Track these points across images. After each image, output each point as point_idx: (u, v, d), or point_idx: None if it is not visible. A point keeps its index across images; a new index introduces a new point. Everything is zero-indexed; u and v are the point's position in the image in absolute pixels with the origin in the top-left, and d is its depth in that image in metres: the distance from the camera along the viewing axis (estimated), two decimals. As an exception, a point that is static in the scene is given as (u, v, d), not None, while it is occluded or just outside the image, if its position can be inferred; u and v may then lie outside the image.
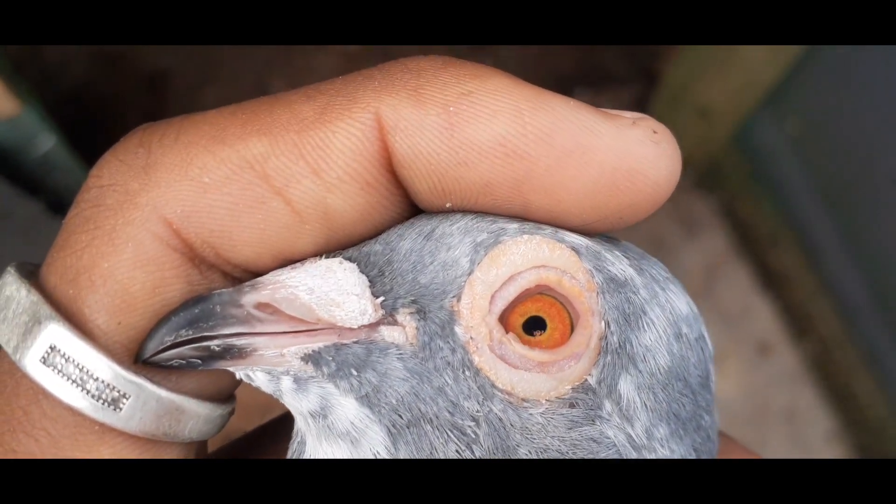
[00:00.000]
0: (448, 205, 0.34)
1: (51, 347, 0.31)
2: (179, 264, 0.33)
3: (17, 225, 1.36)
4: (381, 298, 0.33)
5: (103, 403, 0.32)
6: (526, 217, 0.35)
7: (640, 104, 1.80)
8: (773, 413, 1.76)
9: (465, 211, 0.35)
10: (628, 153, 0.32)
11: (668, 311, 0.36)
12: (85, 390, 0.32)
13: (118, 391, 0.32)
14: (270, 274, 0.34)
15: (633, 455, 0.34)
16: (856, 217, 1.55)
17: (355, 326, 0.33)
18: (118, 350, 0.33)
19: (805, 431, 1.76)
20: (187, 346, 0.32)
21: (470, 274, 0.33)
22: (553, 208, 0.33)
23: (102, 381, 0.32)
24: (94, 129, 1.67)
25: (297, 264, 0.34)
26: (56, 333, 0.31)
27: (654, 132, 0.33)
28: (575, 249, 0.34)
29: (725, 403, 1.74)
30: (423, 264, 0.34)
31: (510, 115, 0.32)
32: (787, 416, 1.76)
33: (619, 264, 0.35)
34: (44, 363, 0.31)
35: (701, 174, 1.85)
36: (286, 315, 0.33)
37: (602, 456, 0.33)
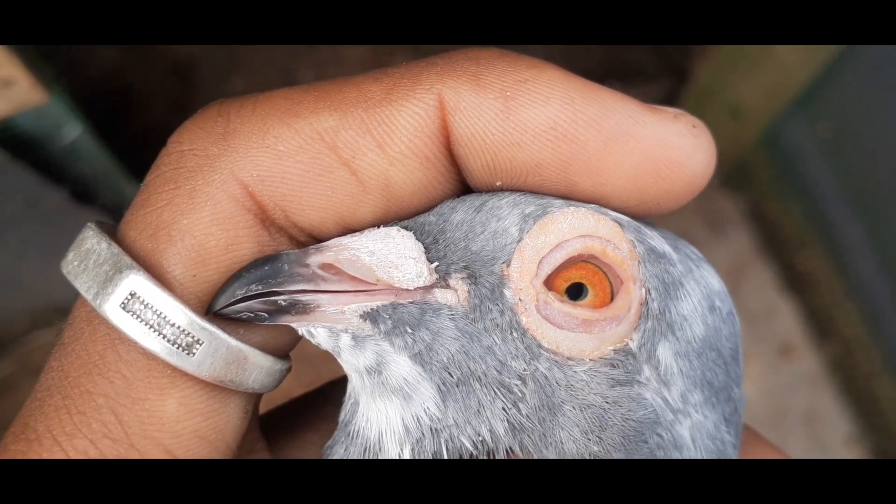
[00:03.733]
0: (498, 183, 0.37)
1: (130, 294, 0.33)
2: (252, 224, 0.35)
3: (42, 213, 1.37)
4: (436, 264, 0.36)
5: (178, 348, 0.34)
6: (570, 198, 0.37)
7: (669, 101, 1.78)
8: (794, 415, 1.76)
9: (513, 189, 0.37)
10: (669, 143, 0.35)
11: (702, 285, 0.38)
12: (161, 335, 0.34)
13: (192, 337, 0.34)
14: (334, 239, 0.36)
15: (670, 417, 0.36)
16: (884, 221, 1.54)
17: (411, 288, 0.35)
18: (192, 300, 0.35)
19: (825, 434, 1.75)
20: (256, 301, 0.34)
21: (519, 241, 0.35)
22: (596, 190, 0.36)
23: (178, 327, 0.34)
24: (120, 116, 1.68)
25: (358, 232, 0.36)
26: (136, 282, 0.34)
27: (694, 126, 0.36)
28: (618, 222, 0.36)
29: (746, 404, 1.73)
30: (474, 233, 0.36)
31: (562, 102, 0.34)
32: (808, 418, 1.76)
33: (657, 239, 0.38)
34: (123, 309, 0.33)
35: (729, 173, 1.84)
36: (348, 275, 0.35)
37: (640, 414, 0.35)
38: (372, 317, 0.35)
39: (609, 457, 0.35)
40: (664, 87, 1.83)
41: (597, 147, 0.35)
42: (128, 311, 0.33)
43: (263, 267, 0.34)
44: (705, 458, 0.37)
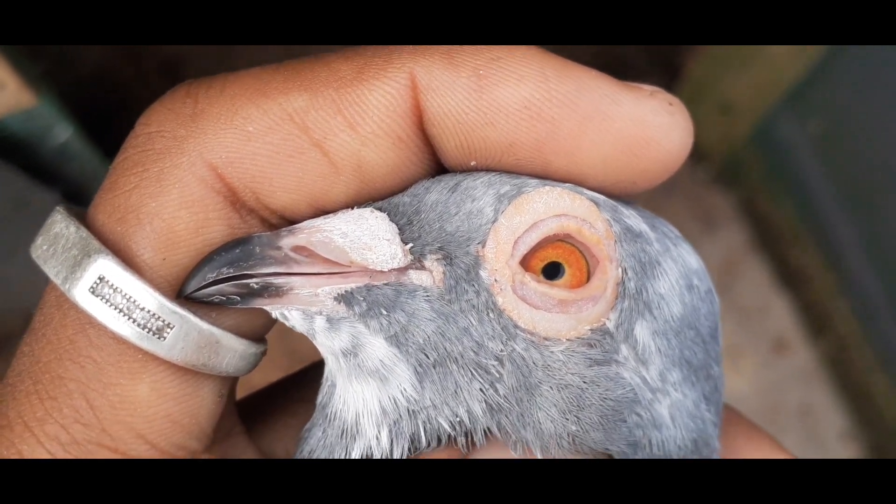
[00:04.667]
0: (473, 163, 0.36)
1: (99, 278, 0.33)
2: (221, 207, 0.35)
3: (33, 215, 1.37)
4: (410, 245, 0.35)
5: (148, 332, 0.33)
6: (546, 177, 0.36)
7: (662, 98, 1.78)
8: (788, 410, 1.76)
9: (487, 169, 0.37)
10: (645, 122, 0.35)
11: (680, 263, 0.38)
12: (131, 319, 0.33)
13: (163, 321, 0.34)
14: (307, 221, 0.35)
15: (649, 396, 0.36)
16: (876, 216, 1.55)
17: (385, 269, 0.35)
18: (162, 284, 0.34)
19: (819, 430, 1.75)
20: (228, 283, 0.34)
21: (494, 222, 0.35)
22: (571, 170, 0.36)
23: (148, 311, 0.33)
24: (109, 115, 1.67)
25: (331, 214, 0.36)
26: (105, 266, 0.33)
27: (670, 104, 0.35)
28: (594, 201, 0.36)
29: (740, 399, 1.74)
30: (448, 214, 0.36)
31: (536, 80, 0.34)
32: (802, 413, 1.76)
33: (634, 218, 0.37)
34: (92, 293, 0.33)
35: (721, 170, 1.84)
36: (321, 257, 0.34)
37: (618, 394, 0.35)
38: (346, 299, 0.35)
39: (587, 436, 0.35)
40: (656, 84, 1.83)
41: (572, 127, 0.34)
42: (97, 296, 0.33)
43: (234, 250, 0.34)
44: (685, 436, 0.37)
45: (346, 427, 0.37)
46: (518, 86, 0.34)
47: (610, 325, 0.35)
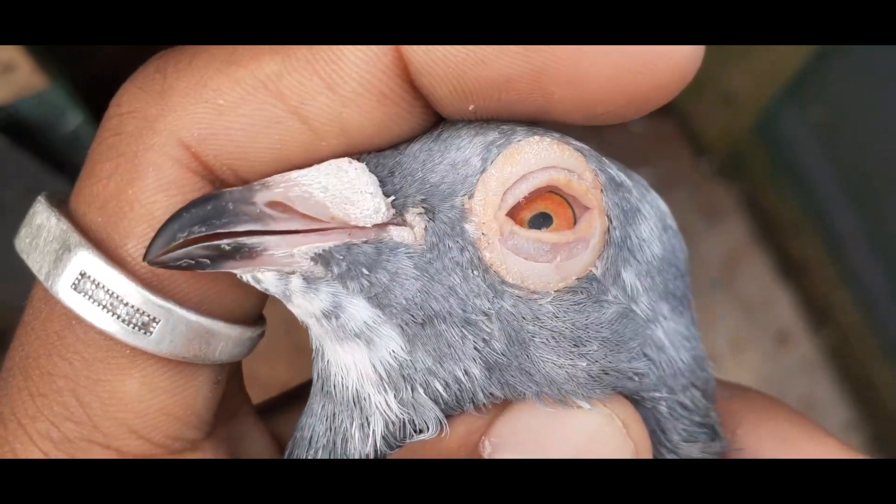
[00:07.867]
0: (471, 107, 0.34)
1: (81, 274, 0.32)
2: (200, 186, 0.34)
3: (44, 201, 1.37)
4: (392, 198, 0.34)
5: (134, 328, 0.33)
6: (551, 111, 0.34)
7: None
8: (791, 402, 1.71)
9: (486, 115, 0.35)
10: None
11: (655, 207, 0.38)
12: (115, 315, 0.32)
13: (148, 315, 0.33)
14: (279, 175, 0.33)
15: (642, 322, 0.36)
16: (878, 207, 1.54)
17: (368, 225, 0.33)
18: (147, 275, 0.33)
19: (822, 421, 1.72)
20: (196, 246, 0.32)
21: (483, 172, 0.34)
22: (577, 97, 0.33)
23: (132, 306, 0.32)
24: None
25: (306, 168, 0.34)
26: (86, 260, 0.32)
27: None
28: (580, 151, 0.35)
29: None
30: (432, 163, 0.34)
31: None
32: (805, 405, 1.75)
33: (615, 169, 0.37)
34: (75, 289, 0.32)
35: (723, 162, 1.84)
36: (299, 213, 0.33)
37: (610, 313, 0.35)
38: (324, 259, 0.33)
39: (599, 365, 0.35)
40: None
41: (570, 50, 0.31)
42: (79, 292, 0.32)
43: (205, 206, 0.32)
44: (685, 356, 0.38)
45: (349, 396, 0.36)
46: None
47: (597, 272, 0.35)
